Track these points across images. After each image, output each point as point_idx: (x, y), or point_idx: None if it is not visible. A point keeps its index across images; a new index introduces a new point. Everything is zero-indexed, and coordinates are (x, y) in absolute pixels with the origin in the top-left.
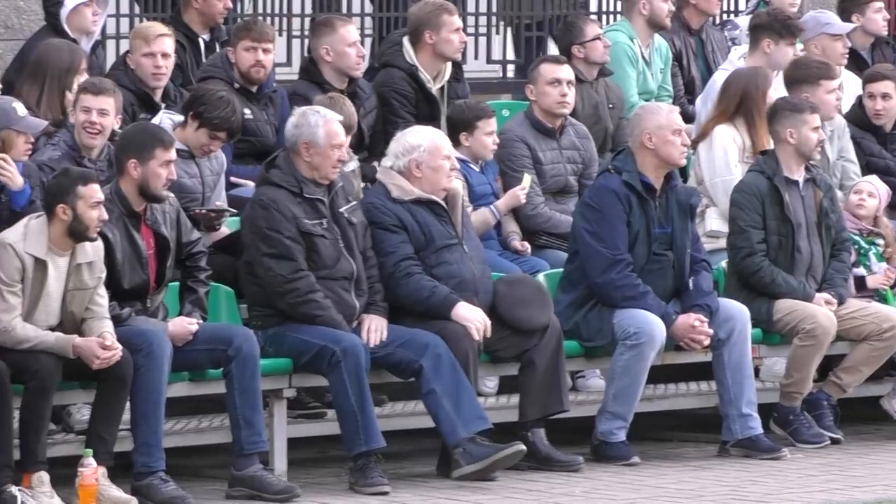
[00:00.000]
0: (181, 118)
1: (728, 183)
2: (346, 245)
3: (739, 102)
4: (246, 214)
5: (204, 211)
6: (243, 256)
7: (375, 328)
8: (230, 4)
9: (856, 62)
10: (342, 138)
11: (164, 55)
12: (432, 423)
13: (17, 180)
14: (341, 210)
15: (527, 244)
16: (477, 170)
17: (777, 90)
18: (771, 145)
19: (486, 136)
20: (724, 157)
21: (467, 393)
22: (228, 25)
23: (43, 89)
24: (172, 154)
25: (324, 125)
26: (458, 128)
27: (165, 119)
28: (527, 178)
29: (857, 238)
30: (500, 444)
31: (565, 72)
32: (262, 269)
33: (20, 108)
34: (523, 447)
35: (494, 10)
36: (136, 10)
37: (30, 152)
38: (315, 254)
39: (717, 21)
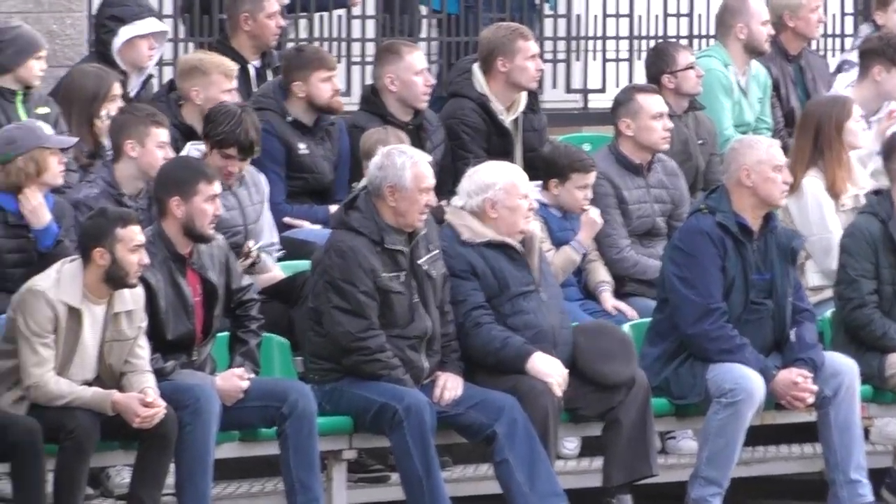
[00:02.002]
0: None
1: (826, 241)
2: (422, 301)
3: (815, 136)
4: (319, 260)
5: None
6: (309, 303)
7: (450, 386)
8: (283, 23)
9: None
10: (431, 181)
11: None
12: None
13: (41, 216)
14: (420, 262)
15: (625, 307)
16: (559, 215)
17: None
18: (848, 187)
19: (579, 190)
20: (819, 213)
21: (543, 465)
22: (281, 51)
23: (71, 118)
24: (217, 187)
25: (411, 167)
26: (550, 173)
27: (192, 150)
28: (594, 210)
29: None
30: None
31: (663, 104)
32: (331, 322)
33: (46, 127)
34: None
35: (574, 34)
36: (181, 34)
37: (63, 174)
38: (388, 310)
39: (817, 47)
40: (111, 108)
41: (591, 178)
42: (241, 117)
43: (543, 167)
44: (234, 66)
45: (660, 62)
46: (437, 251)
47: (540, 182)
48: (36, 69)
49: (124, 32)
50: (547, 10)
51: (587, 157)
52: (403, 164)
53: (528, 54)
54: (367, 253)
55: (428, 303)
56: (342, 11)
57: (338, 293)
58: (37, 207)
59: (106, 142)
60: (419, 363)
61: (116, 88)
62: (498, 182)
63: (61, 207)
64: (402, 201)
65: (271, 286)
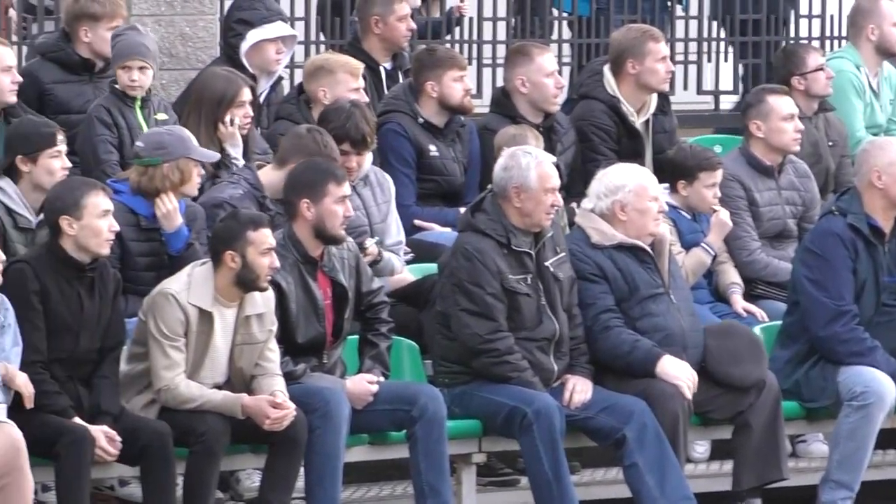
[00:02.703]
0: None
1: None
2: (549, 303)
3: None
4: (446, 262)
5: None
6: (437, 306)
7: (580, 390)
8: (413, 26)
9: None
10: (556, 181)
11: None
12: None
13: (173, 220)
14: (547, 263)
15: (756, 310)
16: (688, 217)
17: None
18: None
19: (707, 189)
20: None
21: (673, 468)
22: (412, 52)
23: (200, 121)
24: (347, 189)
25: (536, 167)
26: (678, 174)
27: None
28: (723, 211)
29: None
30: None
31: (793, 105)
32: (459, 324)
33: (193, 138)
34: None
35: (706, 35)
36: (312, 37)
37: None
38: (516, 312)
39: None
40: (238, 114)
41: (719, 175)
42: (351, 111)
43: (670, 169)
44: (359, 65)
45: (789, 64)
46: (564, 253)
47: (667, 185)
48: (124, 78)
49: (252, 36)
50: (679, 11)
51: (713, 154)
52: (528, 164)
53: (658, 56)
54: (493, 255)
55: (555, 305)
56: (473, 13)
57: (465, 295)
58: (171, 212)
59: (230, 149)
60: (548, 365)
61: (245, 94)
62: (628, 184)
63: (193, 211)
64: (528, 202)
65: (400, 289)
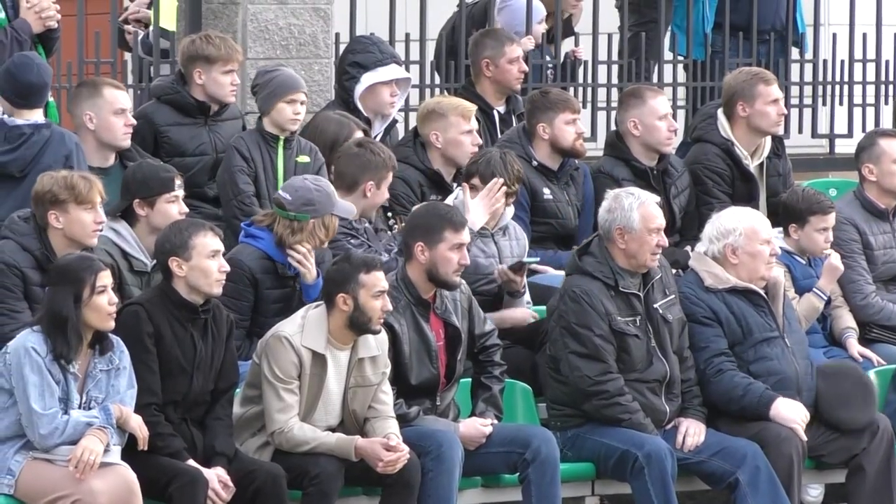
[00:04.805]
0: None
1: None
2: (658, 345)
3: None
4: (555, 306)
5: (502, 268)
6: (548, 350)
7: (693, 433)
8: (525, 68)
9: None
10: (660, 221)
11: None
12: None
13: (313, 273)
14: (656, 305)
15: (871, 354)
16: (803, 262)
17: None
18: None
19: (818, 234)
20: None
21: None
22: (526, 95)
23: None
24: (464, 237)
25: (639, 207)
26: (789, 217)
27: (459, 193)
28: (834, 256)
29: None
30: None
31: None
32: (569, 367)
33: (335, 192)
34: None
35: (821, 78)
36: (427, 80)
37: None
38: (626, 354)
39: None
40: None
41: (831, 219)
42: (493, 155)
43: (782, 212)
44: (471, 107)
45: None
46: (674, 295)
47: (780, 229)
48: (287, 112)
49: (366, 79)
50: (794, 55)
51: (825, 198)
52: (631, 205)
53: (769, 99)
54: (601, 297)
55: (665, 347)
56: (588, 57)
57: (574, 338)
58: (313, 266)
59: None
60: (659, 407)
61: (356, 136)
62: (738, 228)
63: (321, 253)
64: (632, 242)
65: (516, 331)
